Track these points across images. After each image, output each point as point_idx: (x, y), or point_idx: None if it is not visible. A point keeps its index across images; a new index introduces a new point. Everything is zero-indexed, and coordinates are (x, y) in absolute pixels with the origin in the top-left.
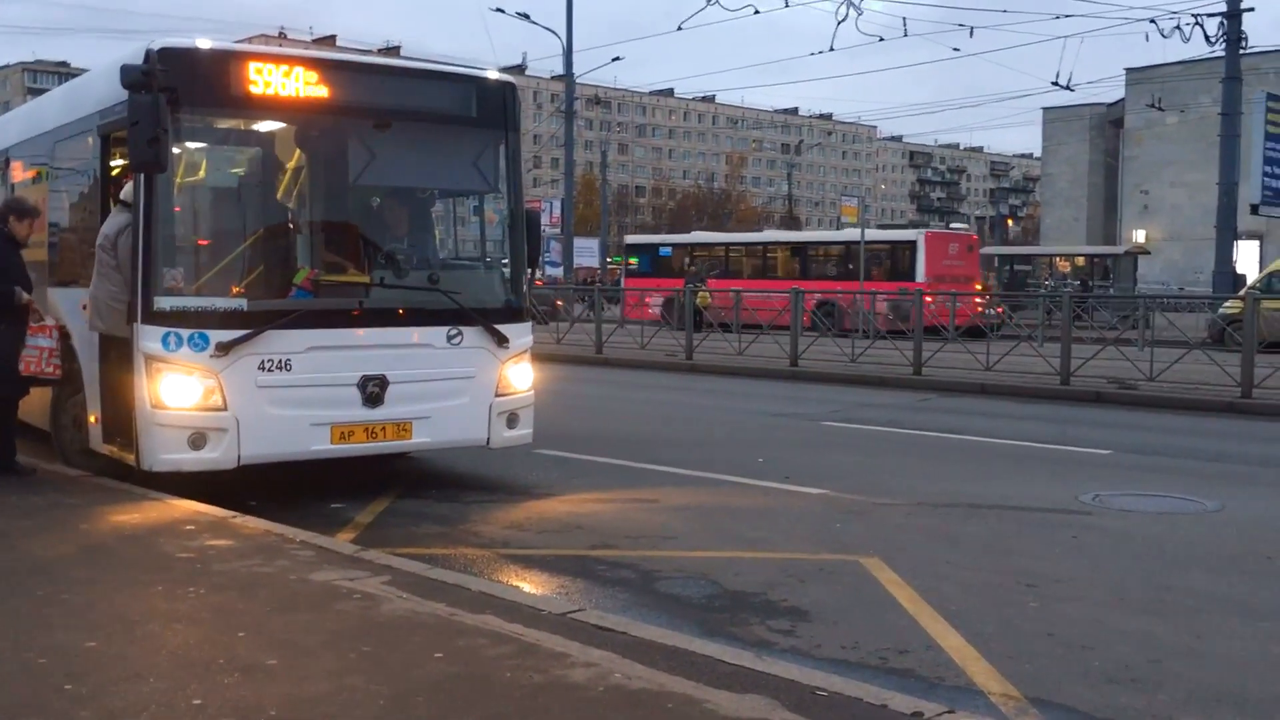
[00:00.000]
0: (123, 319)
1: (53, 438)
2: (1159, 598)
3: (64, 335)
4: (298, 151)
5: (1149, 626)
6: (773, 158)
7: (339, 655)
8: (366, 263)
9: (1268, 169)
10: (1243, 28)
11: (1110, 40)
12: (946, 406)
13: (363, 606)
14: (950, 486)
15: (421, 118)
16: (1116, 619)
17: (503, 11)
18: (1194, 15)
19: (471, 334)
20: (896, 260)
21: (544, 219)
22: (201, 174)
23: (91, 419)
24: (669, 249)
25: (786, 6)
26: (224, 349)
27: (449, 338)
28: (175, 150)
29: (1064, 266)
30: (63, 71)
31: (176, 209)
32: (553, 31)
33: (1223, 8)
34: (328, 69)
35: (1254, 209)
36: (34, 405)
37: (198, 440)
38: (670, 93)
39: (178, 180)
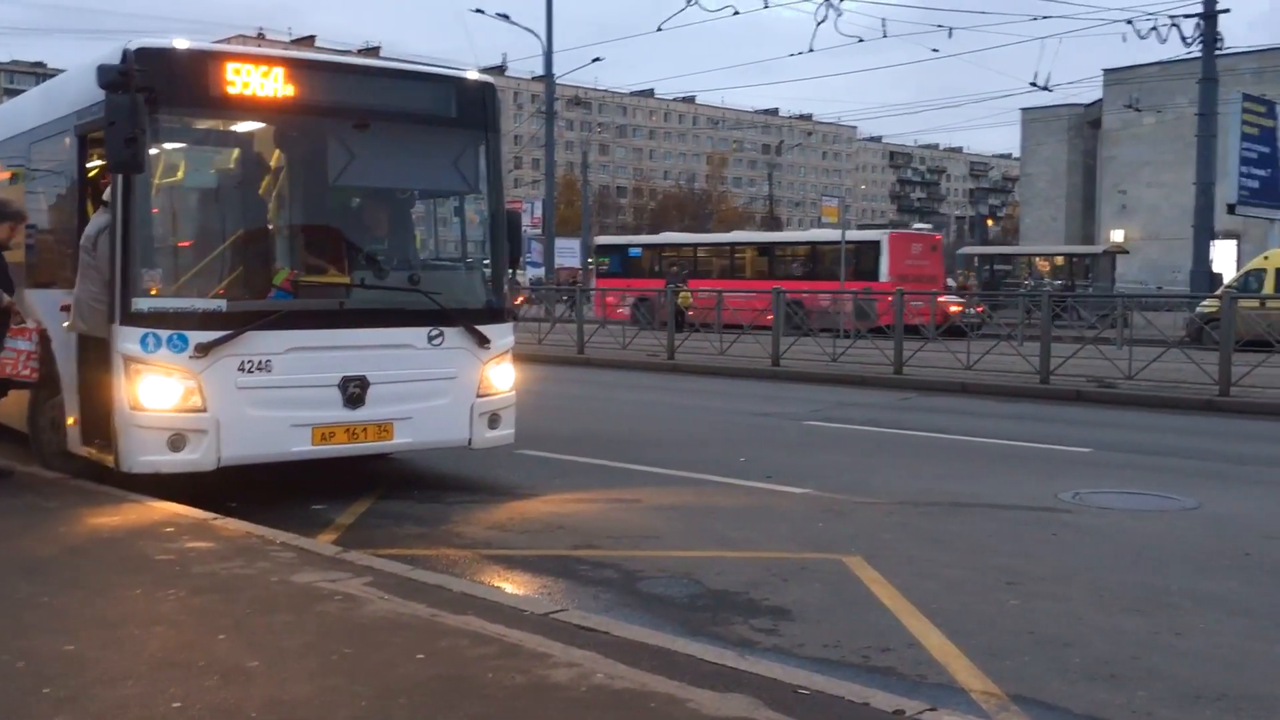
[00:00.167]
0: (104, 320)
1: (30, 440)
2: (1138, 595)
3: (44, 338)
4: (277, 152)
5: (1129, 623)
6: (753, 158)
7: (320, 657)
8: (347, 263)
9: (1244, 169)
10: (1218, 29)
11: (1088, 41)
12: (927, 405)
13: (344, 608)
14: (931, 485)
15: (401, 118)
16: (1096, 616)
17: (482, 12)
18: (1170, 17)
19: (452, 334)
20: (861, 260)
21: (525, 219)
22: (180, 175)
23: (70, 421)
24: (639, 250)
25: (766, 7)
26: (203, 350)
27: (430, 338)
28: (153, 151)
29: (1043, 266)
30: (39, 72)
31: (155, 210)
32: (533, 32)
33: (1199, 9)
34: (306, 69)
35: (1230, 209)
36: (11, 408)
37: (177, 442)
38: (651, 93)
39: (156, 181)
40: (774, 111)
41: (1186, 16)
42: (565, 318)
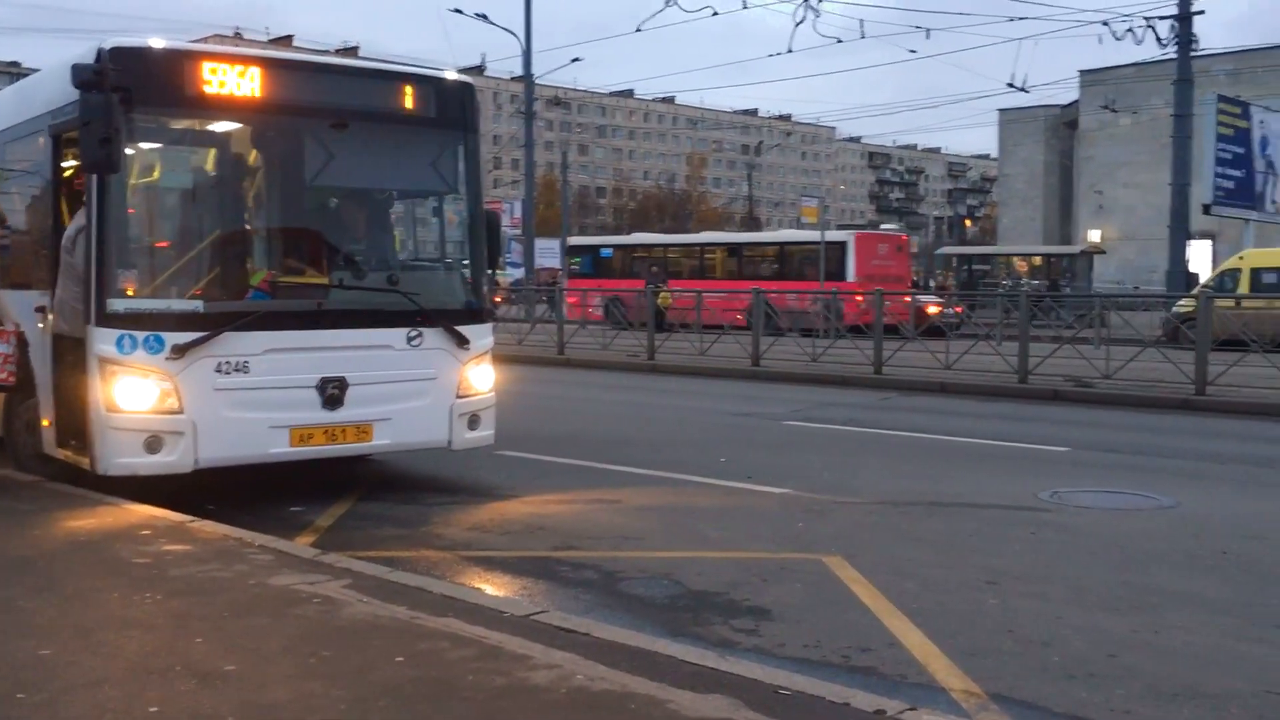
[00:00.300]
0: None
1: (5, 442)
2: (1117, 593)
3: (20, 340)
4: (254, 152)
5: (1107, 622)
6: (733, 158)
7: (298, 660)
8: (325, 264)
9: (1219, 170)
10: (1193, 31)
11: (1064, 43)
12: (907, 405)
13: (323, 610)
14: (911, 485)
15: (379, 118)
16: (1075, 615)
17: (461, 12)
18: (1146, 18)
19: (432, 335)
20: (828, 261)
21: (505, 220)
22: (156, 175)
23: (45, 423)
24: (610, 250)
25: (745, 8)
26: (180, 351)
27: (409, 339)
28: (128, 151)
29: (1021, 266)
30: (14, 72)
31: (130, 210)
32: (511, 32)
33: (1174, 11)
34: (283, 69)
35: (1206, 209)
36: None
37: (153, 444)
38: (630, 93)
39: (131, 181)
40: (753, 112)
41: (1162, 18)
42: (545, 318)
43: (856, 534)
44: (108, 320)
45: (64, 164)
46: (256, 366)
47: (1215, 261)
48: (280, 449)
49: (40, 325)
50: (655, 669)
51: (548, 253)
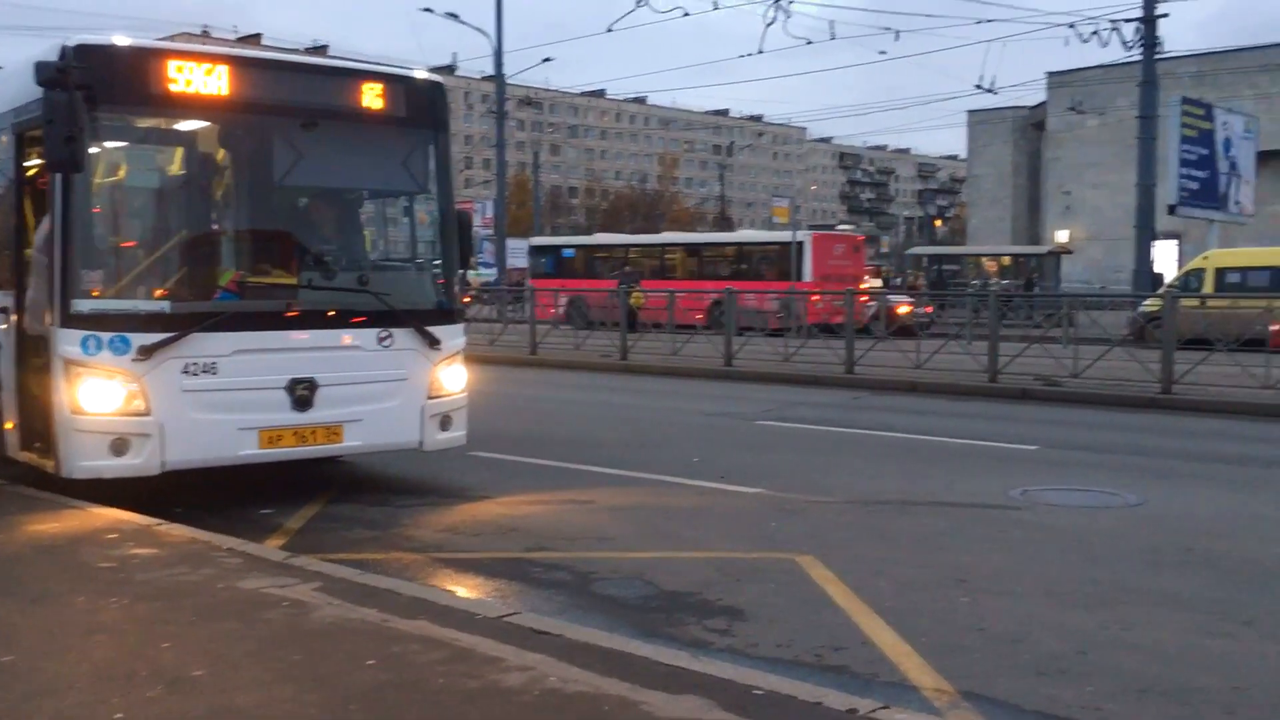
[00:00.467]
0: None
1: None
2: (1086, 591)
3: None
4: (222, 151)
5: (1077, 619)
6: (705, 158)
7: (267, 665)
8: (294, 264)
9: (1184, 171)
10: (1158, 33)
11: (1031, 44)
12: (878, 404)
13: (292, 614)
14: (883, 484)
15: (348, 117)
16: (1045, 612)
17: (431, 11)
18: (1111, 21)
19: (402, 335)
20: (785, 260)
21: (477, 220)
22: (121, 174)
23: (9, 425)
24: (572, 250)
25: (715, 9)
26: (146, 352)
27: (379, 339)
28: (93, 150)
29: (991, 266)
30: None
31: (95, 210)
32: (482, 32)
33: (1139, 13)
34: (251, 67)
35: (1171, 210)
36: None
37: (119, 446)
38: (602, 94)
39: (96, 181)
40: (725, 112)
41: (1127, 20)
42: (516, 318)
43: (829, 533)
44: (72, 321)
45: (28, 163)
46: (225, 367)
47: (1181, 261)
48: (249, 451)
49: (3, 326)
50: (628, 670)
51: (519, 253)
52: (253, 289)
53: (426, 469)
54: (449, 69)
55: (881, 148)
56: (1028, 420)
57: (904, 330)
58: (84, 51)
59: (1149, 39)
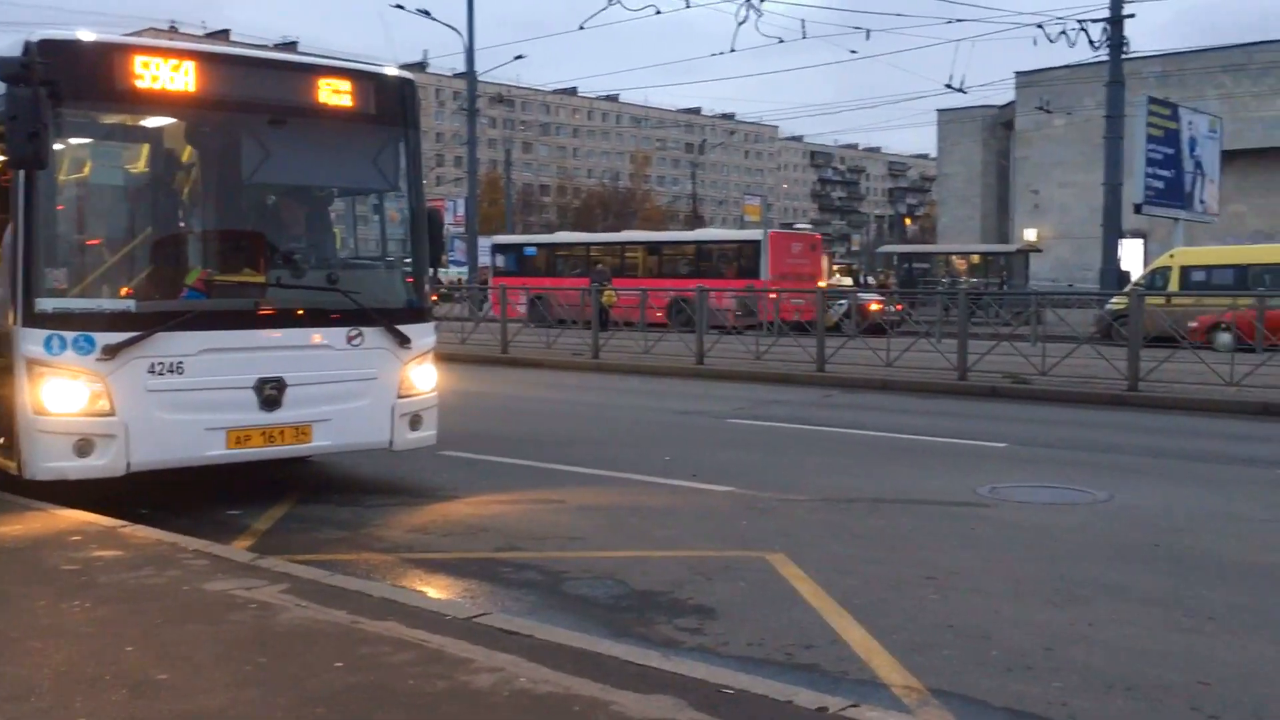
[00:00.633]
0: None
1: None
2: (1053, 587)
3: None
4: (189, 148)
5: (1044, 616)
6: (677, 157)
7: (234, 667)
8: (262, 262)
9: (1150, 170)
10: (1124, 33)
11: (1000, 44)
12: (849, 402)
13: (259, 616)
14: (853, 481)
15: (318, 114)
16: (1013, 609)
17: (402, 8)
18: (1079, 21)
19: (372, 334)
20: (742, 259)
21: (448, 218)
22: (86, 171)
23: None
24: (534, 249)
25: (688, 7)
26: (111, 352)
27: (349, 338)
28: (57, 146)
29: (960, 265)
30: None
31: (59, 207)
32: (454, 29)
33: (1106, 14)
34: (219, 63)
35: (1137, 208)
36: None
37: (84, 447)
38: (574, 91)
39: (60, 178)
40: (697, 110)
41: (1094, 21)
42: (488, 316)
43: (799, 531)
44: (35, 320)
45: None
46: (191, 367)
47: (1147, 260)
48: (216, 451)
49: None
50: (599, 670)
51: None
52: (220, 287)
53: (396, 469)
54: (420, 66)
55: (853, 146)
56: (996, 418)
57: (875, 328)
58: (48, 46)
59: (1116, 39)
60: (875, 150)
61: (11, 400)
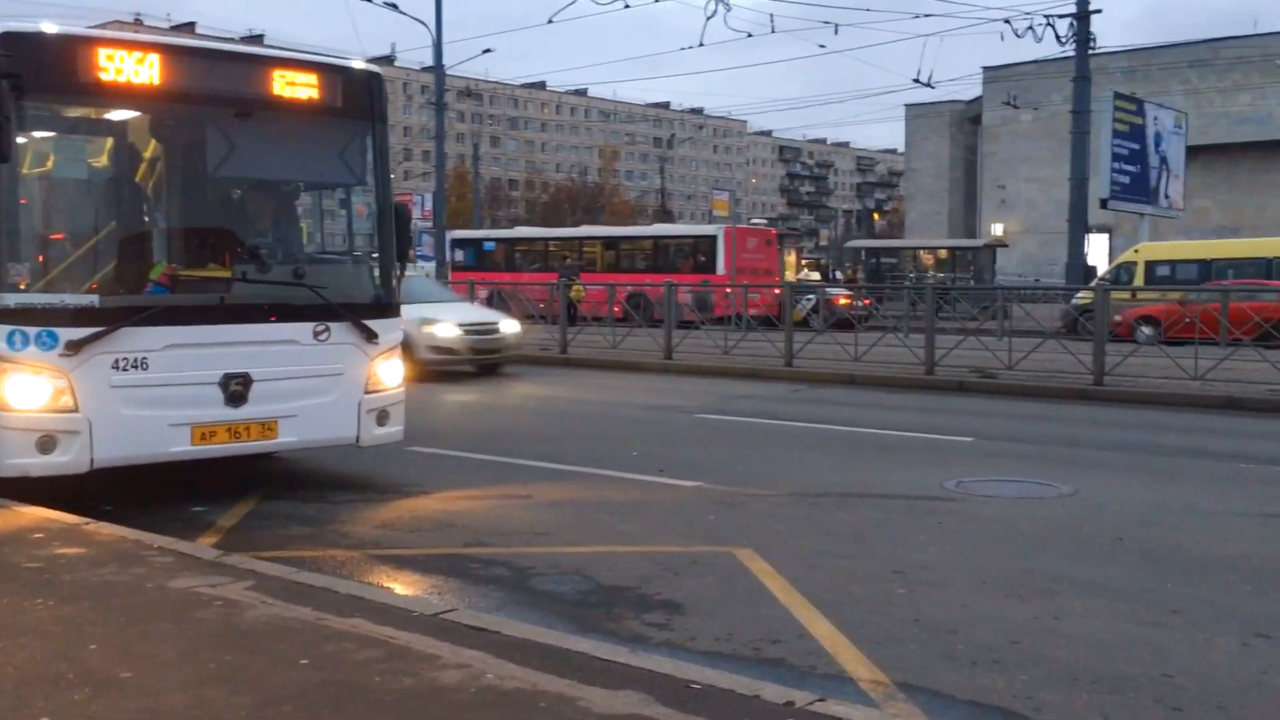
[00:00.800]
0: None
1: None
2: (1019, 581)
3: None
4: (153, 142)
5: (1010, 609)
6: (645, 151)
7: (198, 666)
8: (228, 257)
9: (1116, 165)
10: (1091, 29)
11: (968, 39)
12: (817, 397)
13: (224, 614)
14: (821, 476)
15: (284, 108)
16: (979, 603)
17: (370, 0)
18: (1046, 16)
19: (339, 330)
20: (698, 254)
21: (416, 212)
22: (49, 165)
23: None
24: (492, 243)
25: (656, 1)
26: (74, 347)
27: (316, 334)
28: (20, 140)
29: (928, 260)
30: None
31: (22, 201)
32: (421, 22)
33: (1072, 9)
34: (184, 56)
35: (1103, 203)
36: None
37: (46, 443)
38: (542, 85)
39: (23, 171)
40: (665, 105)
41: (1061, 16)
42: None
43: (767, 526)
44: None
45: None
46: (156, 363)
47: (1112, 255)
48: (181, 448)
49: None
50: (566, 666)
51: None
52: (185, 282)
53: (363, 465)
54: (388, 59)
55: (821, 141)
56: (963, 412)
57: (842, 323)
58: (11, 39)
59: (1082, 34)
60: (844, 145)
61: None
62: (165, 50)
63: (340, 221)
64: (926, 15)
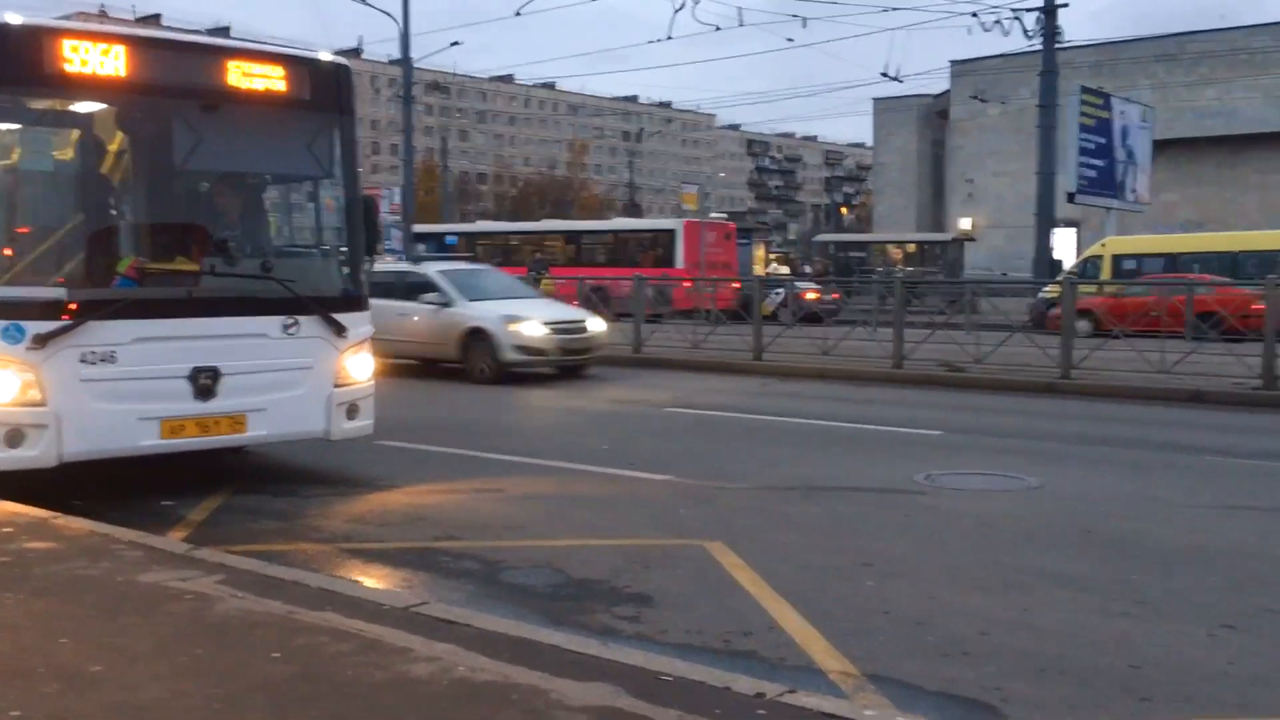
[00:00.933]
0: None
1: None
2: (988, 573)
3: None
4: (120, 134)
5: (979, 601)
6: (614, 145)
7: (170, 659)
8: (196, 250)
9: (1083, 159)
10: (1058, 23)
11: (936, 33)
12: (786, 391)
13: (195, 607)
14: (790, 470)
15: (251, 100)
16: (948, 595)
17: None
18: (1013, 10)
19: (308, 323)
20: (658, 248)
21: (384, 207)
22: (15, 158)
23: None
24: (454, 237)
25: None
26: (42, 341)
27: (285, 327)
28: None
29: (896, 254)
30: None
31: None
32: (389, 15)
33: (1039, 3)
34: (150, 48)
35: (1070, 197)
36: None
37: (14, 438)
38: (510, 79)
39: None
40: (634, 99)
41: (1028, 10)
42: None
43: (737, 519)
44: None
45: None
46: (124, 356)
47: (1079, 249)
48: (150, 441)
49: None
50: (537, 658)
51: None
52: (153, 275)
53: (333, 459)
54: (355, 52)
55: (789, 135)
56: (932, 406)
57: (811, 317)
58: None
59: (1049, 29)
60: (812, 139)
61: None
62: (131, 42)
63: (308, 215)
64: (894, 9)
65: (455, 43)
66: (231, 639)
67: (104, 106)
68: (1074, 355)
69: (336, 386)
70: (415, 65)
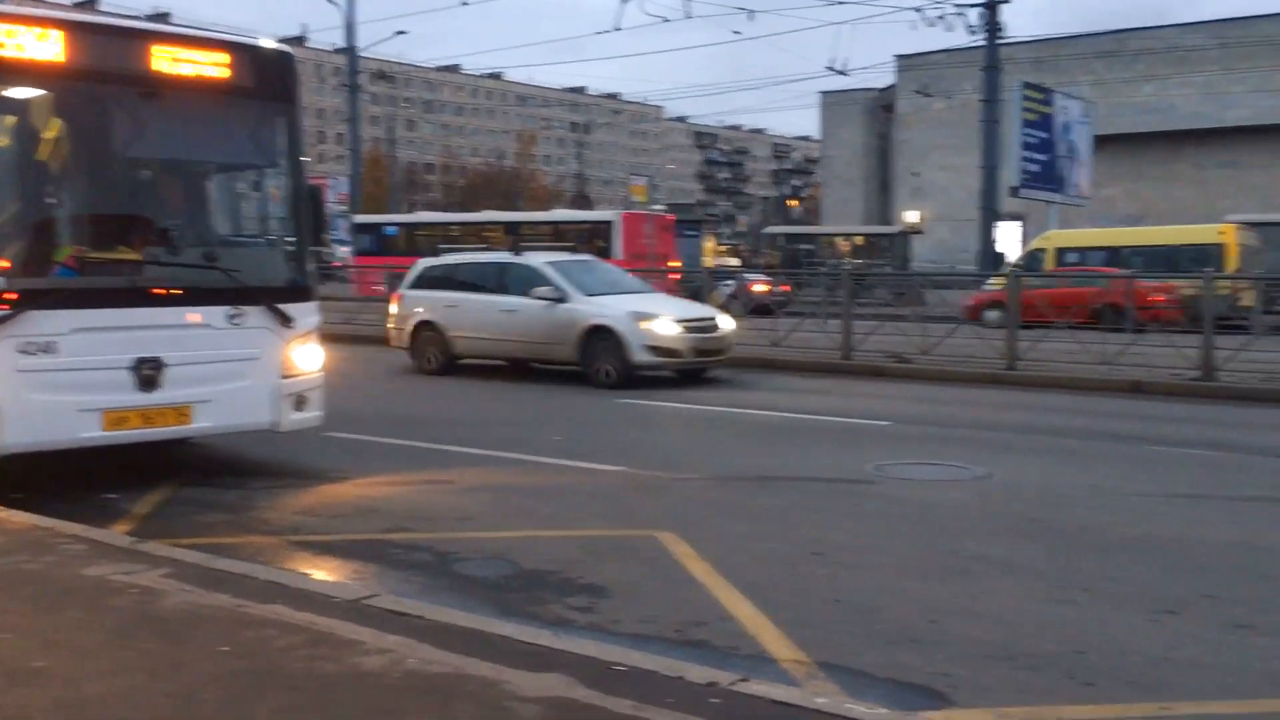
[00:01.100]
0: None
1: None
2: (936, 561)
3: None
4: (59, 121)
5: (928, 589)
6: (562, 136)
7: (115, 654)
8: (138, 239)
9: (1025, 154)
10: (1001, 19)
11: (881, 28)
12: (736, 382)
13: (141, 601)
14: (741, 460)
15: (193, 87)
16: (898, 583)
17: None
18: (957, 5)
19: (254, 314)
20: (596, 239)
21: (331, 197)
22: None
23: None
24: (394, 228)
25: None
26: None
27: (229, 317)
28: None
29: (844, 246)
30: None
31: None
32: (333, 2)
33: None
34: (89, 32)
35: (1013, 191)
36: None
37: None
38: (457, 69)
39: None
40: (581, 90)
41: (971, 6)
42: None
43: (689, 509)
44: None
45: None
46: (64, 346)
47: (1024, 242)
48: (92, 433)
49: None
50: (490, 650)
51: None
52: (93, 265)
53: (282, 451)
54: (299, 40)
55: (737, 127)
56: (881, 396)
57: (761, 309)
58: None
59: (992, 24)
60: (760, 132)
61: None
62: (69, 26)
63: (253, 204)
64: (840, 3)
65: (401, 32)
66: (179, 633)
67: (40, 92)
68: (1019, 347)
69: (284, 378)
70: (361, 54)
